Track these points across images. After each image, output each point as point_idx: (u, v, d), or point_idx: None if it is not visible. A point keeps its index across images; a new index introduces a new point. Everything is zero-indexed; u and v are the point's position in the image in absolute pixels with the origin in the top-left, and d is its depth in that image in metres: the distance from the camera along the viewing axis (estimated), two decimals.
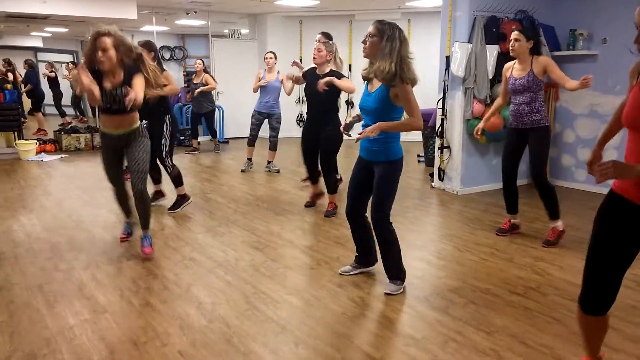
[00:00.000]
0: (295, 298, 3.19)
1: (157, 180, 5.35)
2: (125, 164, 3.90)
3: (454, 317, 2.95)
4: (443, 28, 5.93)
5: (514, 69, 4.14)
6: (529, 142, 4.16)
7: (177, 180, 5.06)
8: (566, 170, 6.33)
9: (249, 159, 7.26)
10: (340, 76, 4.66)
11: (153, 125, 4.80)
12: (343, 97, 6.97)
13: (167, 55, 13.84)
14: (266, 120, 7.07)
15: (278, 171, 7.16)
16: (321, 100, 4.70)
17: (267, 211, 5.17)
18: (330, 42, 4.90)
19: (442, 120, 6.01)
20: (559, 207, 4.17)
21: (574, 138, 6.22)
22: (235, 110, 10.43)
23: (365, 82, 3.14)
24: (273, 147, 7.10)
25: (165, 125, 4.90)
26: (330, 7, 9.67)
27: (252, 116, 7.10)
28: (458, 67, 5.73)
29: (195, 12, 10.08)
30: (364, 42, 2.98)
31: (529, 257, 3.92)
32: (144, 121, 4.13)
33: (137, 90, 3.49)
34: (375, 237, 3.29)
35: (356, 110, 5.70)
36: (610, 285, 2.01)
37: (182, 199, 5.12)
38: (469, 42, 5.73)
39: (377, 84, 3.02)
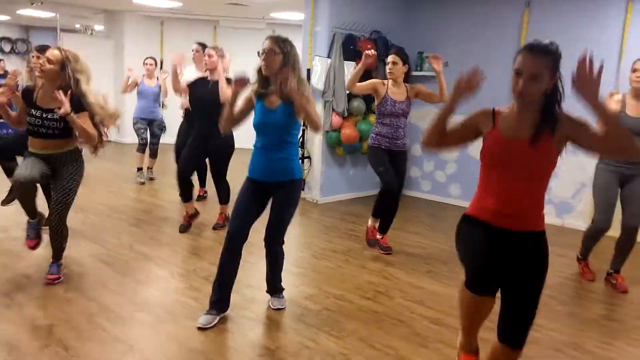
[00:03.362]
0: (146, 314, 3.01)
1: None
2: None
3: (308, 324, 3.01)
4: (304, 41, 6.10)
5: (389, 90, 4.12)
6: (395, 162, 4.21)
7: None
8: (414, 181, 6.86)
9: (140, 169, 6.78)
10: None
11: None
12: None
13: (7, 48, 12.43)
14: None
15: (152, 179, 6.85)
16: (213, 107, 4.26)
17: (120, 221, 4.85)
18: (219, 47, 4.61)
19: (303, 131, 6.16)
20: None
21: (421, 152, 6.76)
22: None
23: (257, 98, 2.95)
24: (154, 154, 6.83)
25: None
26: (194, 10, 9.43)
27: (135, 123, 6.72)
28: (318, 80, 5.94)
29: (41, 3, 9.17)
30: (265, 59, 2.81)
31: (380, 262, 4.16)
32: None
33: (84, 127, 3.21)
34: (268, 259, 3.15)
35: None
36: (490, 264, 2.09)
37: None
38: (328, 57, 5.97)
39: (277, 100, 2.89)
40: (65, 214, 3.31)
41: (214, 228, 4.77)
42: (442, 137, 2.12)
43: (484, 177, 2.09)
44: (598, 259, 4.27)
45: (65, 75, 3.22)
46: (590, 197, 4.04)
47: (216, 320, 2.94)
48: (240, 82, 2.88)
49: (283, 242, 3.14)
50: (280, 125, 2.90)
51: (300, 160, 6.10)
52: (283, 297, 3.26)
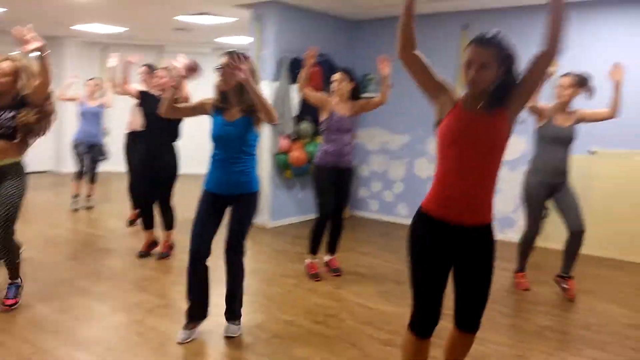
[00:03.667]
0: (86, 353, 2.85)
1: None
2: None
3: (259, 353, 2.94)
4: None
5: (336, 107, 4.15)
6: (341, 179, 4.23)
7: None
8: (362, 201, 6.92)
9: (76, 196, 6.57)
10: None
11: None
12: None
13: None
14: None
15: (90, 208, 6.63)
16: (162, 124, 4.19)
17: (57, 255, 4.62)
18: (169, 67, 4.60)
19: None
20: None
21: (369, 172, 6.85)
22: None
23: (216, 111, 3.00)
24: (92, 179, 6.58)
25: None
26: (138, 36, 9.29)
27: (75, 147, 6.47)
28: None
29: None
30: (222, 74, 2.89)
31: (330, 285, 4.13)
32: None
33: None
34: (229, 274, 3.10)
35: None
36: (436, 306, 2.15)
37: None
38: (275, 80, 5.99)
39: (236, 114, 2.95)
40: (11, 230, 3.28)
41: (160, 258, 4.63)
42: (409, 37, 2.09)
43: (443, 162, 2.13)
44: (539, 270, 4.43)
45: (19, 84, 3.23)
46: None
47: (194, 334, 3.06)
48: (189, 67, 2.96)
49: (244, 253, 3.10)
50: (239, 137, 2.96)
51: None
52: (238, 323, 3.17)
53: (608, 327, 3.48)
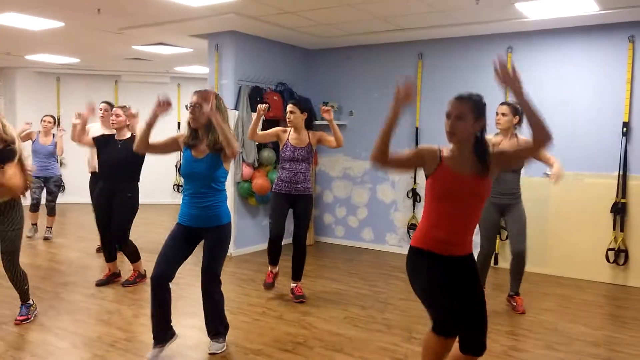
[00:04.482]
0: None
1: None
2: None
3: None
4: None
5: (291, 137, 4.27)
6: (296, 206, 4.31)
7: None
8: (327, 227, 6.94)
9: (34, 225, 6.60)
10: None
11: None
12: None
13: None
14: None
15: (48, 239, 6.53)
16: (120, 168, 4.46)
17: (14, 290, 4.39)
18: (127, 106, 4.69)
19: None
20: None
21: (332, 198, 6.90)
22: None
23: (186, 147, 3.07)
24: (51, 211, 6.53)
25: None
26: (92, 65, 9.14)
27: None
28: None
29: None
30: (192, 112, 2.96)
31: (298, 312, 4.10)
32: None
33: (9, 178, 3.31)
34: (204, 300, 3.19)
35: None
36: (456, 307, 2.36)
37: None
38: (235, 109, 6.00)
39: (205, 150, 3.01)
40: (16, 260, 3.57)
41: (123, 285, 4.65)
42: (386, 152, 2.27)
43: (433, 210, 2.36)
44: (501, 291, 4.53)
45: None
46: None
47: (162, 353, 3.08)
48: (163, 105, 2.98)
49: (220, 282, 3.18)
50: (207, 174, 3.02)
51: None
52: (221, 340, 3.21)
53: (570, 345, 3.57)
